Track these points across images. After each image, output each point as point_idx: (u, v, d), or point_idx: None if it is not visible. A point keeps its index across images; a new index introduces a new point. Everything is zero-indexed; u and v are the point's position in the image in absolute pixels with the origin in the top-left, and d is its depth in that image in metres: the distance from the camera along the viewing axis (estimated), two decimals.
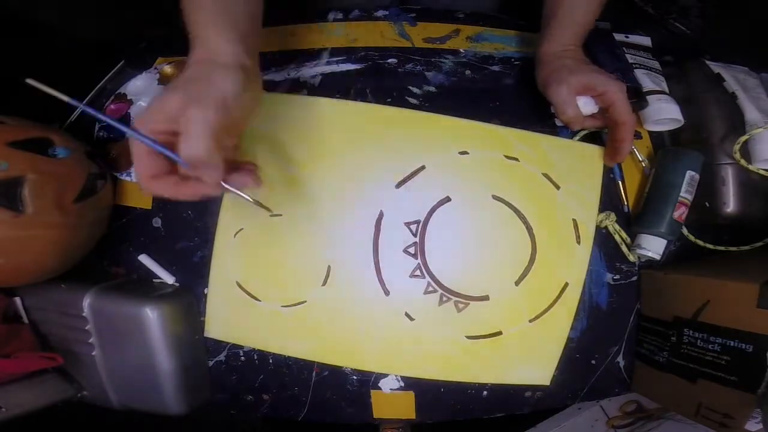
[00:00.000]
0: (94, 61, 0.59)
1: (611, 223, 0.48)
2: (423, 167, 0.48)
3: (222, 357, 0.48)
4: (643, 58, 0.55)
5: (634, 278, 0.49)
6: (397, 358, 0.47)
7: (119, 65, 0.58)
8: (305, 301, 0.46)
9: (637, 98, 0.51)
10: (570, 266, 0.48)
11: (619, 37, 0.56)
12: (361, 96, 0.52)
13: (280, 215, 0.46)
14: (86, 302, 0.43)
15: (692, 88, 0.51)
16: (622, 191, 0.51)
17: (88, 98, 0.56)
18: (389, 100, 0.51)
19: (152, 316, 0.42)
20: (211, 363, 0.48)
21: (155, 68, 0.54)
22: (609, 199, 0.50)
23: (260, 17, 0.40)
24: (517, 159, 0.49)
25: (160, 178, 0.33)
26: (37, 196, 0.39)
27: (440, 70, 0.53)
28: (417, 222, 0.47)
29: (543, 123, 0.51)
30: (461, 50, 0.55)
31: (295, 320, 0.46)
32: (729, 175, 0.47)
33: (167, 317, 0.43)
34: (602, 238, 0.49)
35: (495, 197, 0.48)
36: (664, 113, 0.50)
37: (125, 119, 0.52)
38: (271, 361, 0.48)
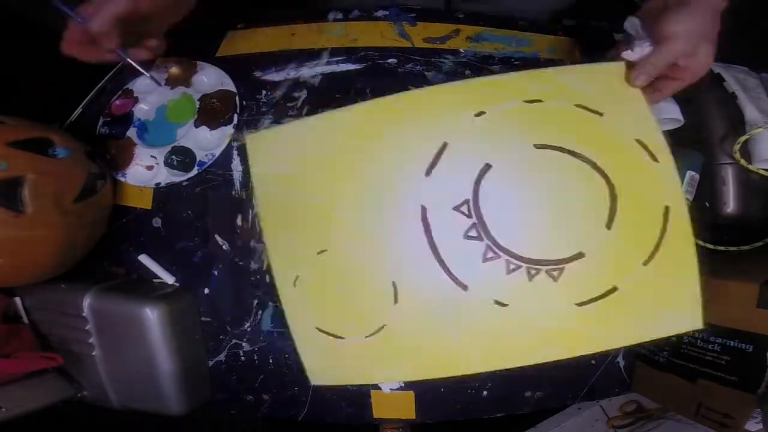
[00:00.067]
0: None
1: None
2: (445, 144, 0.43)
3: (222, 357, 0.48)
4: None
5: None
6: (504, 351, 0.42)
7: (119, 65, 0.58)
8: (385, 325, 0.43)
9: None
10: (660, 188, 0.41)
11: (619, 37, 0.56)
12: (361, 96, 0.52)
13: (326, 250, 0.44)
14: (86, 302, 0.43)
15: (692, 88, 0.51)
16: None
17: (88, 98, 0.56)
18: None
19: (152, 316, 0.42)
20: (211, 363, 0.48)
21: (165, 67, 0.54)
22: None
23: None
24: (540, 100, 0.43)
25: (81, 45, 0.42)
26: (37, 196, 0.39)
27: (440, 70, 0.53)
28: (466, 202, 0.42)
29: None
30: (461, 50, 0.55)
31: (383, 346, 0.43)
32: (729, 175, 0.47)
33: (167, 317, 0.43)
34: None
35: (537, 146, 0.42)
36: (664, 113, 0.50)
37: (129, 116, 0.52)
38: (271, 361, 0.48)
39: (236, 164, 0.50)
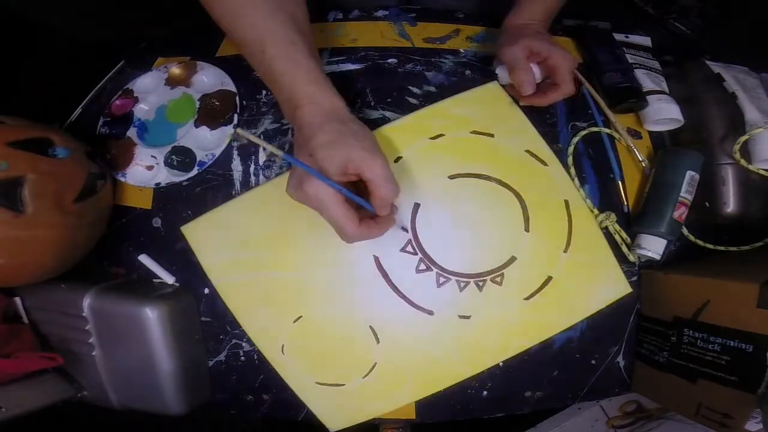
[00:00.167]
0: (94, 61, 0.59)
1: (611, 223, 0.48)
2: None
3: (222, 357, 0.48)
4: (643, 58, 0.55)
5: (634, 278, 0.49)
6: (482, 353, 0.47)
7: (119, 65, 0.58)
8: (376, 363, 0.47)
9: (637, 98, 0.51)
10: (557, 187, 0.49)
11: (619, 37, 0.56)
12: (360, 96, 0.52)
13: (301, 316, 0.47)
14: (86, 302, 0.43)
15: (692, 88, 0.51)
16: (622, 191, 0.51)
17: (88, 98, 0.56)
18: (389, 100, 0.52)
19: (152, 316, 0.42)
20: (211, 363, 0.48)
21: (165, 67, 0.54)
22: (609, 199, 0.50)
23: None
24: (442, 134, 0.50)
25: (362, 225, 0.38)
26: (37, 196, 0.39)
27: (440, 70, 0.53)
28: (409, 241, 0.48)
29: (543, 122, 0.51)
30: (461, 50, 0.55)
31: (380, 381, 0.47)
32: (729, 175, 0.47)
33: (167, 317, 0.43)
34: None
35: (450, 177, 0.49)
36: (664, 113, 0.50)
37: (129, 116, 0.52)
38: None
39: (236, 164, 0.50)
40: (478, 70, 0.54)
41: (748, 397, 0.36)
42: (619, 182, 0.51)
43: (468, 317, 0.47)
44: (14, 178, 0.38)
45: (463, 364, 0.47)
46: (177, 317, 0.44)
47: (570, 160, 0.50)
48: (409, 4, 0.59)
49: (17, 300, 0.45)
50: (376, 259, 0.48)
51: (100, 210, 0.47)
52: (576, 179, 0.50)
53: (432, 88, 0.52)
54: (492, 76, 0.52)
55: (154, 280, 0.49)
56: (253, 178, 0.50)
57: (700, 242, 0.50)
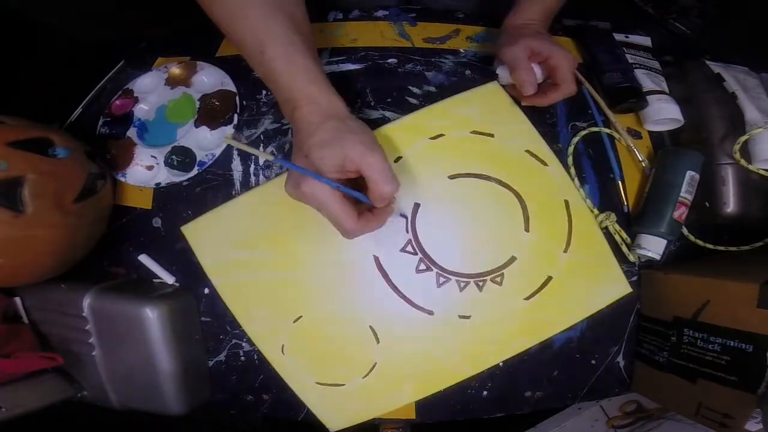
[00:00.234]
0: (94, 61, 0.59)
1: (611, 223, 0.48)
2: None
3: (222, 357, 0.48)
4: (643, 58, 0.55)
5: (634, 278, 0.49)
6: (483, 353, 0.48)
7: (119, 65, 0.58)
8: (376, 363, 0.47)
9: (637, 98, 0.51)
10: (557, 187, 0.49)
11: (619, 37, 0.56)
12: (360, 96, 0.52)
13: (301, 316, 0.47)
14: (86, 302, 0.43)
15: (692, 88, 0.51)
16: (622, 191, 0.51)
17: (88, 98, 0.56)
18: (389, 100, 0.52)
19: (152, 316, 0.42)
20: (211, 363, 0.48)
21: (165, 67, 0.54)
22: (609, 199, 0.50)
23: None
24: (442, 134, 0.50)
25: (361, 219, 0.38)
26: (37, 196, 0.39)
27: (440, 70, 0.53)
28: (409, 242, 0.48)
29: (543, 122, 0.51)
30: (461, 50, 0.55)
31: (380, 381, 0.47)
32: (729, 175, 0.47)
33: (167, 317, 0.43)
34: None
35: (450, 177, 0.49)
36: (664, 113, 0.50)
37: (129, 116, 0.52)
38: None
39: (236, 164, 0.50)
40: (478, 70, 0.54)
41: (748, 397, 0.36)
42: (619, 182, 0.51)
43: (468, 317, 0.47)
44: (14, 178, 0.38)
45: (463, 364, 0.47)
46: (177, 317, 0.44)
47: (570, 160, 0.50)
48: (409, 4, 0.59)
49: (17, 300, 0.45)
50: (376, 259, 0.48)
51: (100, 210, 0.47)
52: (576, 179, 0.50)
53: (432, 88, 0.52)
54: (492, 76, 0.52)
55: (154, 280, 0.49)
56: (253, 178, 0.50)
57: (700, 242, 0.50)
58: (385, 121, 0.51)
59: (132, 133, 0.52)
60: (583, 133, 0.51)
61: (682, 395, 0.42)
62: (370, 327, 0.47)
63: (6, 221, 0.37)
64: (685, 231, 0.50)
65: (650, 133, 0.53)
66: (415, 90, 0.52)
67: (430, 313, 0.47)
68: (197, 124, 0.51)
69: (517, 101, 0.51)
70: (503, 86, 0.52)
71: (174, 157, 0.50)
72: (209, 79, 0.53)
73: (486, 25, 0.57)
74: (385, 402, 0.48)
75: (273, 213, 0.48)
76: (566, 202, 0.49)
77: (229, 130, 0.51)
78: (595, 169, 0.51)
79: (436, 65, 0.54)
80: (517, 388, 0.48)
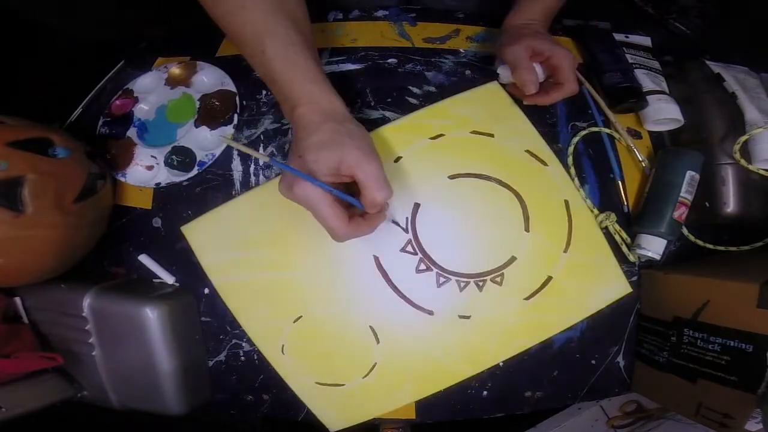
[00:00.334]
0: (94, 61, 0.59)
1: (611, 223, 0.48)
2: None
3: (222, 357, 0.48)
4: (643, 58, 0.55)
5: (634, 278, 0.49)
6: (483, 353, 0.48)
7: (119, 65, 0.58)
8: (376, 363, 0.47)
9: (637, 98, 0.51)
10: (557, 187, 0.49)
11: (619, 37, 0.56)
12: (360, 96, 0.52)
13: (301, 317, 0.47)
14: (86, 302, 0.43)
15: (692, 88, 0.51)
16: (622, 191, 0.51)
17: (88, 98, 0.56)
18: (389, 100, 0.52)
19: (152, 316, 0.42)
20: (211, 363, 0.48)
21: (165, 67, 0.54)
22: (609, 199, 0.50)
23: None
24: (442, 134, 0.50)
25: (351, 223, 0.38)
26: (37, 196, 0.39)
27: (440, 70, 0.53)
28: (409, 242, 0.48)
29: (543, 122, 0.51)
30: (461, 50, 0.55)
31: (380, 381, 0.47)
32: (729, 175, 0.47)
33: (167, 317, 0.43)
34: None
35: (450, 177, 0.49)
36: (664, 113, 0.50)
37: (129, 116, 0.52)
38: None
39: (236, 164, 0.50)
40: (478, 70, 0.54)
41: (748, 397, 0.36)
42: (619, 182, 0.51)
43: (468, 317, 0.47)
44: (14, 178, 0.38)
45: (463, 364, 0.47)
46: (177, 317, 0.44)
47: (570, 160, 0.50)
48: (409, 4, 0.59)
49: (17, 300, 0.45)
50: (376, 259, 0.48)
51: (100, 210, 0.47)
52: (576, 179, 0.50)
53: (432, 88, 0.52)
54: (492, 76, 0.52)
55: (154, 280, 0.49)
56: (253, 178, 0.50)
57: (700, 242, 0.50)
58: (385, 121, 0.51)
59: (132, 133, 0.52)
60: (583, 133, 0.51)
61: (682, 395, 0.42)
62: (370, 327, 0.47)
63: (6, 221, 0.37)
64: (685, 231, 0.50)
65: (650, 133, 0.53)
66: (415, 90, 0.52)
67: (430, 313, 0.47)
68: (197, 124, 0.51)
69: (517, 101, 0.51)
70: (504, 86, 0.52)
71: (174, 157, 0.50)
72: (209, 79, 0.53)
73: (486, 25, 0.57)
74: (385, 402, 0.48)
75: (273, 213, 0.48)
76: (566, 202, 0.49)
77: (229, 130, 0.51)
78: (595, 169, 0.51)
79: (436, 65, 0.54)
80: (517, 388, 0.48)
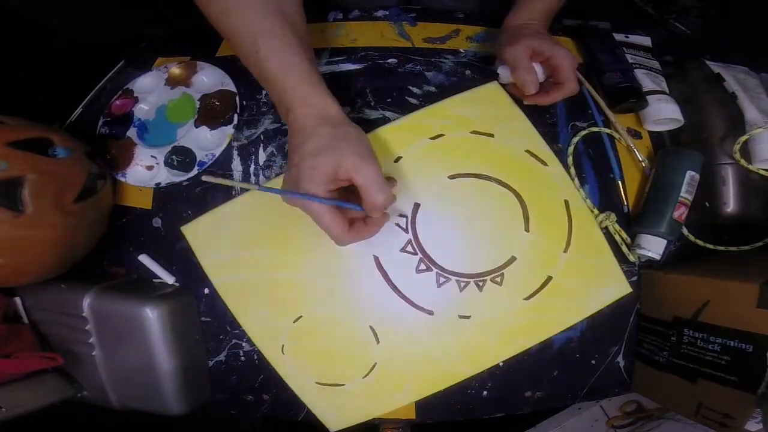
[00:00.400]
0: (94, 61, 0.59)
1: (611, 223, 0.48)
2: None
3: (222, 357, 0.48)
4: (643, 58, 0.55)
5: (634, 278, 0.49)
6: (483, 353, 0.48)
7: (119, 65, 0.58)
8: (376, 363, 0.47)
9: (637, 98, 0.51)
10: (557, 187, 0.49)
11: (619, 37, 0.56)
12: (360, 96, 0.52)
13: (301, 317, 0.47)
14: (86, 302, 0.43)
15: (692, 88, 0.51)
16: (622, 191, 0.51)
17: (88, 98, 0.56)
18: (389, 100, 0.52)
19: (152, 316, 0.42)
20: (211, 363, 0.48)
21: (165, 67, 0.54)
22: (609, 199, 0.50)
23: None
24: (442, 134, 0.50)
25: (352, 228, 0.38)
26: (37, 196, 0.39)
27: (440, 70, 0.53)
28: (409, 242, 0.48)
29: (543, 122, 0.51)
30: (461, 50, 0.55)
31: (380, 381, 0.47)
32: (729, 175, 0.47)
33: (167, 317, 0.43)
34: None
35: (450, 177, 0.49)
36: (664, 113, 0.50)
37: (129, 116, 0.52)
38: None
39: (236, 164, 0.50)
40: (478, 70, 0.54)
41: (748, 397, 0.36)
42: (619, 182, 0.51)
43: (468, 317, 0.47)
44: (14, 178, 0.38)
45: (463, 364, 0.47)
46: (177, 317, 0.44)
47: (570, 160, 0.50)
48: (409, 4, 0.59)
49: (17, 300, 0.45)
50: (376, 259, 0.48)
51: (100, 210, 0.47)
52: (576, 179, 0.50)
53: (432, 88, 0.52)
54: (492, 76, 0.52)
55: (154, 280, 0.49)
56: (253, 178, 0.50)
57: (700, 242, 0.50)
58: (385, 121, 0.51)
59: (132, 133, 0.52)
60: (583, 133, 0.51)
61: (682, 395, 0.42)
62: (370, 327, 0.47)
63: (6, 221, 0.37)
64: (685, 231, 0.50)
65: (650, 133, 0.53)
66: (415, 90, 0.52)
67: (430, 313, 0.47)
68: (197, 124, 0.51)
69: (517, 101, 0.51)
70: (504, 86, 0.52)
71: (174, 157, 0.50)
72: (209, 79, 0.53)
73: (486, 25, 0.57)
74: (385, 402, 0.48)
75: (273, 213, 0.48)
76: (566, 202, 0.49)
77: (229, 129, 0.51)
78: (595, 169, 0.51)
79: (436, 65, 0.54)
80: (517, 388, 0.48)
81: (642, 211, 0.48)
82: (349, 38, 0.55)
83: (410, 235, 0.48)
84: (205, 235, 0.48)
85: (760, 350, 0.35)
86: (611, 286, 0.48)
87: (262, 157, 0.50)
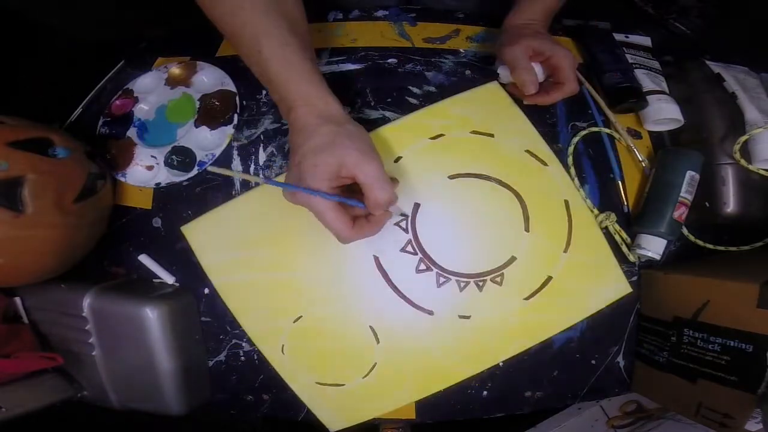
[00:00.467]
0: (94, 61, 0.59)
1: (611, 223, 0.48)
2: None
3: (222, 357, 0.48)
4: (643, 58, 0.55)
5: (634, 278, 0.49)
6: (483, 353, 0.48)
7: (119, 65, 0.58)
8: (376, 363, 0.47)
9: (637, 98, 0.51)
10: (557, 187, 0.49)
11: (619, 37, 0.56)
12: (360, 96, 0.52)
13: (301, 316, 0.47)
14: (86, 302, 0.43)
15: (692, 88, 0.51)
16: (622, 191, 0.51)
17: (88, 98, 0.56)
18: (389, 100, 0.52)
19: (152, 316, 0.42)
20: (211, 363, 0.48)
21: (165, 67, 0.54)
22: (609, 199, 0.50)
23: None
24: (442, 134, 0.50)
25: (354, 226, 0.38)
26: (37, 196, 0.39)
27: (440, 70, 0.53)
28: (409, 242, 0.48)
29: (543, 122, 0.51)
30: (461, 50, 0.55)
31: (380, 381, 0.47)
32: (729, 175, 0.47)
33: (167, 317, 0.43)
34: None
35: (450, 177, 0.49)
36: (664, 113, 0.50)
37: (129, 116, 0.52)
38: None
39: (236, 164, 0.50)
40: (478, 70, 0.54)
41: (748, 397, 0.36)
42: (619, 182, 0.51)
43: (468, 317, 0.47)
44: (14, 178, 0.38)
45: (463, 364, 0.47)
46: (177, 317, 0.44)
47: (570, 160, 0.50)
48: (409, 4, 0.59)
49: (17, 300, 0.45)
50: (376, 259, 0.48)
51: (100, 210, 0.47)
52: (576, 179, 0.50)
53: (432, 88, 0.52)
54: (492, 76, 0.52)
55: (154, 280, 0.49)
56: None
57: (700, 242, 0.50)
58: (385, 121, 0.51)
59: (132, 133, 0.52)
60: (583, 133, 0.51)
61: (682, 395, 0.42)
62: (370, 327, 0.47)
63: (6, 221, 0.37)
64: (685, 231, 0.50)
65: (650, 133, 0.53)
66: (415, 90, 0.52)
67: (430, 313, 0.47)
68: (197, 124, 0.51)
69: (517, 101, 0.51)
70: (504, 85, 0.52)
71: (174, 157, 0.50)
72: (209, 79, 0.53)
73: (486, 25, 0.57)
74: (385, 402, 0.48)
75: (273, 213, 0.48)
76: (566, 202, 0.49)
77: (229, 129, 0.51)
78: (595, 169, 0.51)
79: (436, 65, 0.54)
80: (517, 388, 0.48)
81: (642, 211, 0.48)
82: (349, 38, 0.55)
83: (410, 235, 0.48)
84: (205, 235, 0.48)
85: (760, 350, 0.35)
86: (611, 286, 0.48)
87: (262, 157, 0.50)
